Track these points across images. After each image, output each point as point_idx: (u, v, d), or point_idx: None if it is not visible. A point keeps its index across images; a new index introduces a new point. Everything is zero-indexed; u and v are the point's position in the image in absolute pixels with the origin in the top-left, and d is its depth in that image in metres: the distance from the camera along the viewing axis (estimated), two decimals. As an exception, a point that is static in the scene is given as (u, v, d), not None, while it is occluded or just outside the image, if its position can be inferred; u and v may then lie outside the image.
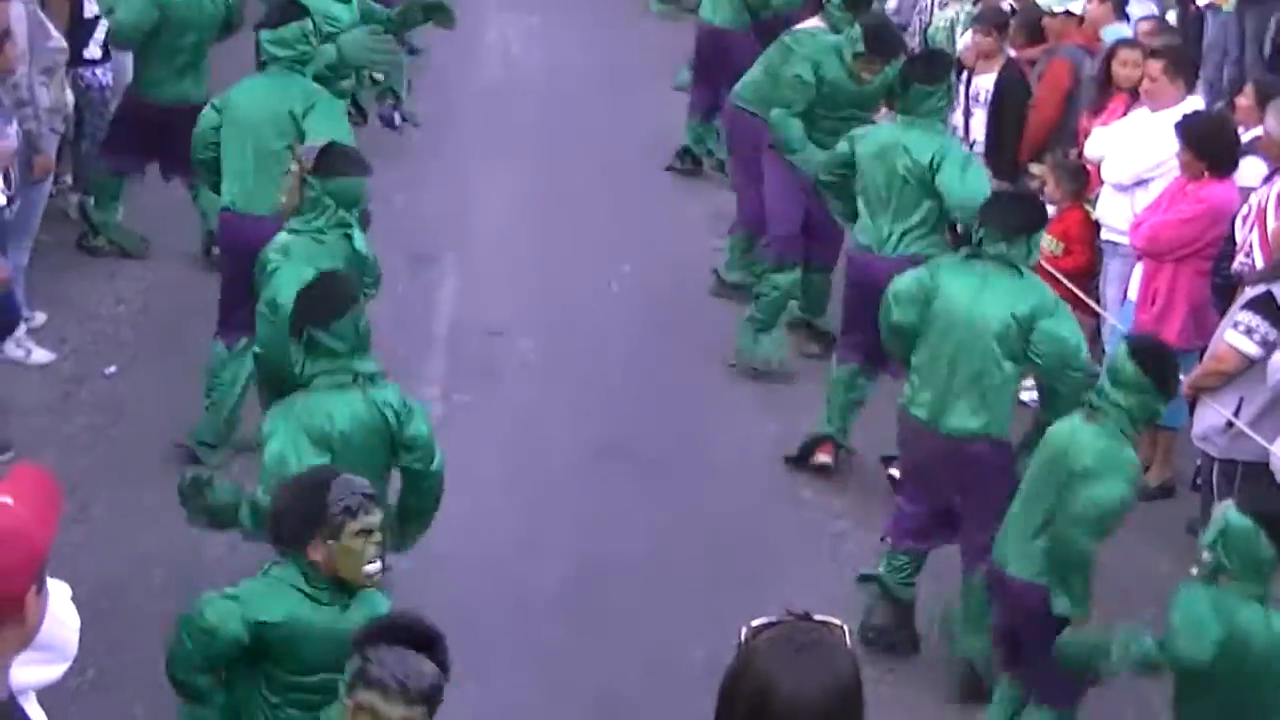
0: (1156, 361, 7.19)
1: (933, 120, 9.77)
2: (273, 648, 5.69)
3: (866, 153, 9.69)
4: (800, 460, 9.99)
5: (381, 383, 6.96)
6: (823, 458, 9.94)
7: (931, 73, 9.84)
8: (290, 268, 7.59)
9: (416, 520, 7.28)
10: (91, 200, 11.82)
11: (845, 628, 3.63)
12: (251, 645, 5.67)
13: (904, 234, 9.52)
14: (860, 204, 9.77)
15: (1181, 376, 8.81)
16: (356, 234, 8.11)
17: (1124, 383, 7.07)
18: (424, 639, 4.95)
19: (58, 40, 10.69)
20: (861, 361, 9.81)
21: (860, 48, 10.58)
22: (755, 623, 3.62)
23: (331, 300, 6.87)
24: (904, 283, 8.34)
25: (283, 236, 7.94)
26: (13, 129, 9.57)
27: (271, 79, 9.47)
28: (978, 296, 8.01)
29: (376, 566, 5.75)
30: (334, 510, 5.60)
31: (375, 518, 5.71)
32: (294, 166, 7.91)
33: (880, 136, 9.81)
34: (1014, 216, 8.12)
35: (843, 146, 9.91)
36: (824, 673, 3.53)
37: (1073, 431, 7.18)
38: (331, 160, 7.99)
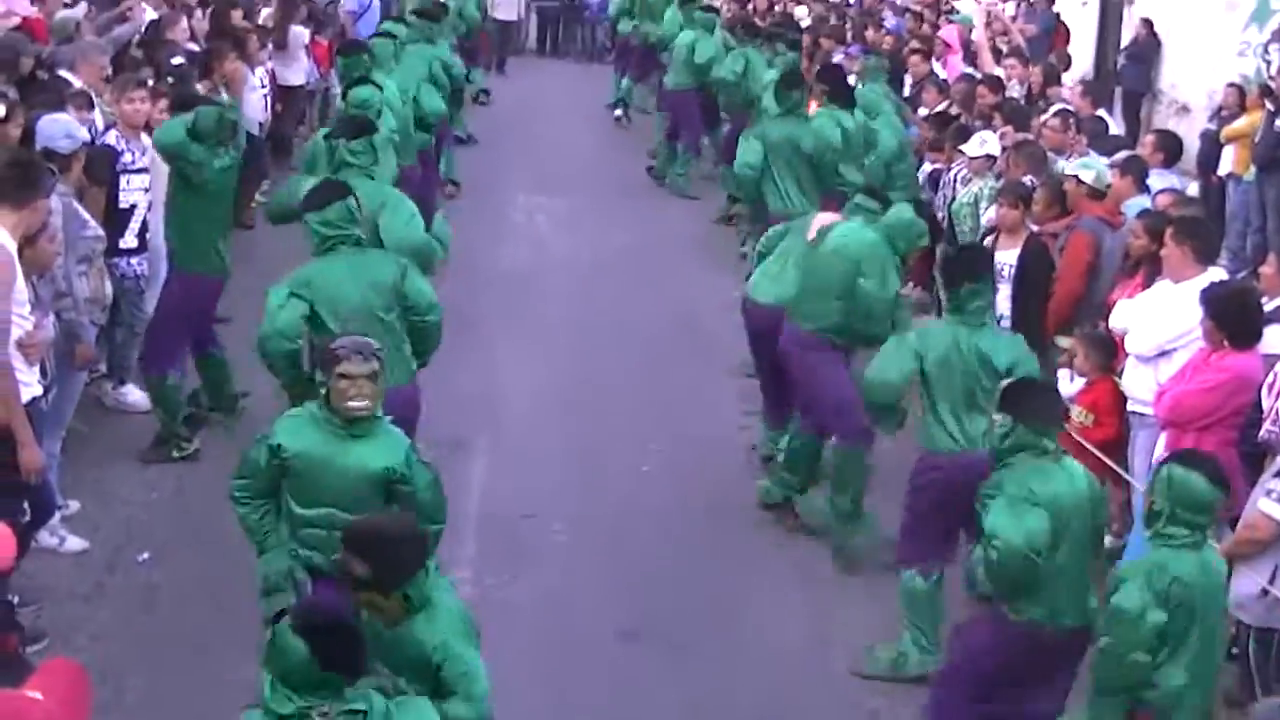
0: (1220, 471, 7.30)
1: (980, 315, 9.70)
2: None
3: (937, 360, 9.49)
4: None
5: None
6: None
7: (977, 270, 9.82)
8: None
9: None
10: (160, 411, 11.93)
11: None
12: None
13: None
14: (933, 409, 9.50)
15: (1216, 545, 8.88)
16: None
17: (1203, 504, 7.18)
18: None
19: (95, 230, 10.84)
20: (940, 564, 9.59)
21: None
22: None
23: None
24: (1032, 538, 7.81)
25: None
26: (49, 320, 9.65)
27: (349, 258, 9.44)
28: (1075, 486, 8.00)
29: None
30: None
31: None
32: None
33: (944, 342, 9.54)
34: (1052, 411, 8.18)
35: (909, 364, 9.55)
36: None
37: (1204, 569, 7.20)
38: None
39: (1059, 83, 18.99)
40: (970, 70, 19.98)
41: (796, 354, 11.33)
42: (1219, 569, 7.35)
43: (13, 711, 3.87)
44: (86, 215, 10.77)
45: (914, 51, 20.02)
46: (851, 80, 18.09)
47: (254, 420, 12.06)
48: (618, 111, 26.09)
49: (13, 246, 8.96)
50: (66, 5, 18.03)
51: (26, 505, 8.94)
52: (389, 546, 6.54)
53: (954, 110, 16.73)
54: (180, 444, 11.85)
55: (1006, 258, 12.07)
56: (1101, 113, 16.65)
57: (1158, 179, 13.18)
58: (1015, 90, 18.37)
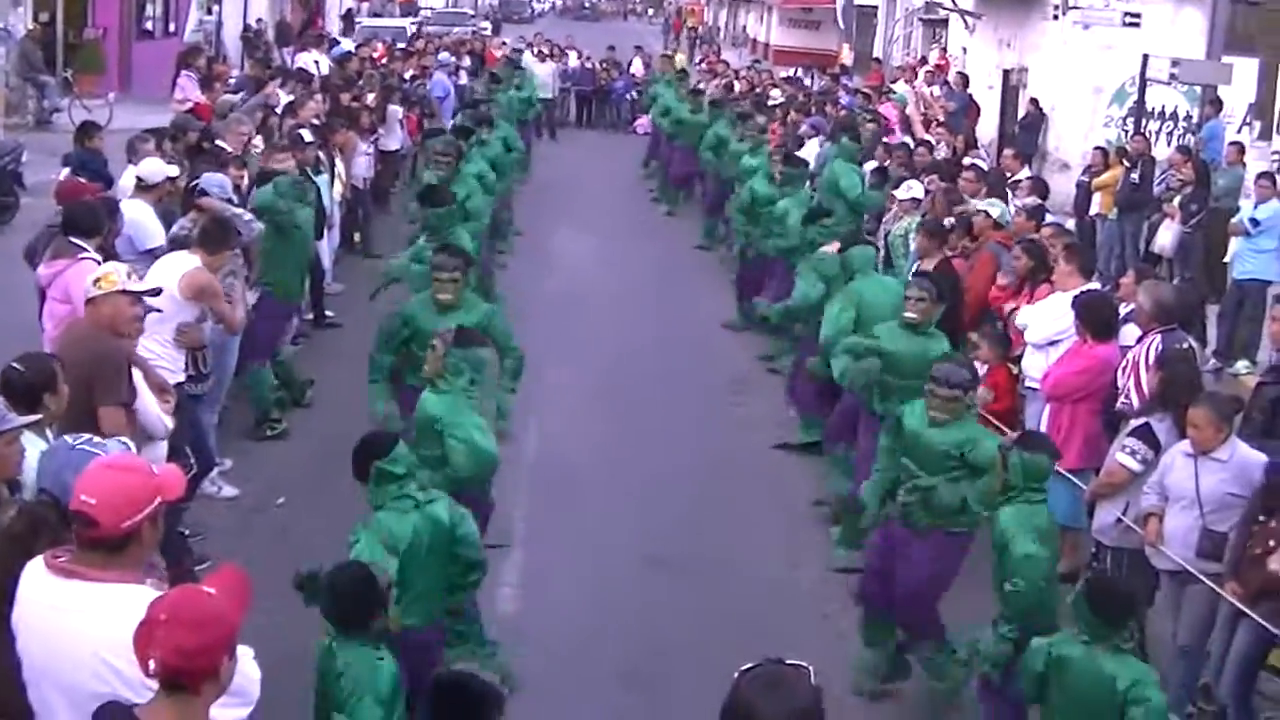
0: (1053, 446, 7.44)
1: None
2: None
3: None
4: None
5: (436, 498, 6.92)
6: None
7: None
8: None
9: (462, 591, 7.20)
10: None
11: (810, 668, 3.74)
12: None
13: None
14: None
15: (1084, 486, 8.96)
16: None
17: (1046, 474, 7.24)
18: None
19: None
20: None
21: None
22: (744, 667, 3.73)
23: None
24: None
25: (434, 398, 7.96)
26: (208, 324, 9.63)
27: None
28: None
29: None
30: None
31: None
32: (438, 344, 8.00)
33: None
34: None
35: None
36: (790, 700, 3.63)
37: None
38: (465, 338, 8.22)
39: (977, 146, 19.16)
40: (906, 139, 20.13)
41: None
42: (1053, 520, 7.35)
43: (194, 599, 3.97)
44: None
45: (869, 121, 20.16)
46: (814, 145, 18.27)
47: (325, 401, 12.45)
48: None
49: (213, 277, 9.37)
50: (230, 92, 18.38)
51: (193, 460, 9.03)
52: None
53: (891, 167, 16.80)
54: (271, 424, 11.85)
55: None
56: (1025, 171, 16.93)
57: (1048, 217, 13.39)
58: (943, 151, 18.50)
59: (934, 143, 19.08)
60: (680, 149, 23.14)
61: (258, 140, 13.74)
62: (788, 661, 3.71)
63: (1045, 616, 7.01)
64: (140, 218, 10.70)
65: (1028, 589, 6.96)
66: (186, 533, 9.19)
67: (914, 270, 12.14)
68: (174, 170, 11.50)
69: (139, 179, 11.17)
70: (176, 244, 10.23)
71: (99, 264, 8.55)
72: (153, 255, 10.47)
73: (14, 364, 6.39)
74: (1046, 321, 10.29)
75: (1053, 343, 10.16)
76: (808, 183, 15.98)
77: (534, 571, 9.69)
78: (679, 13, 69.15)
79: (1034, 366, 10.27)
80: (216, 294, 9.39)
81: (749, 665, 3.70)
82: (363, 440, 6.96)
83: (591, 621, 9.12)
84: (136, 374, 7.81)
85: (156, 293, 8.06)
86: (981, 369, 10.79)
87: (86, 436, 5.38)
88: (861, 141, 17.92)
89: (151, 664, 3.81)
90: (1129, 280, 10.50)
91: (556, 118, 33.09)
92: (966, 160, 16.86)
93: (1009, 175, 16.03)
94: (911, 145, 18.21)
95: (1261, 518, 7.58)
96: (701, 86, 27.44)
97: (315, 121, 16.20)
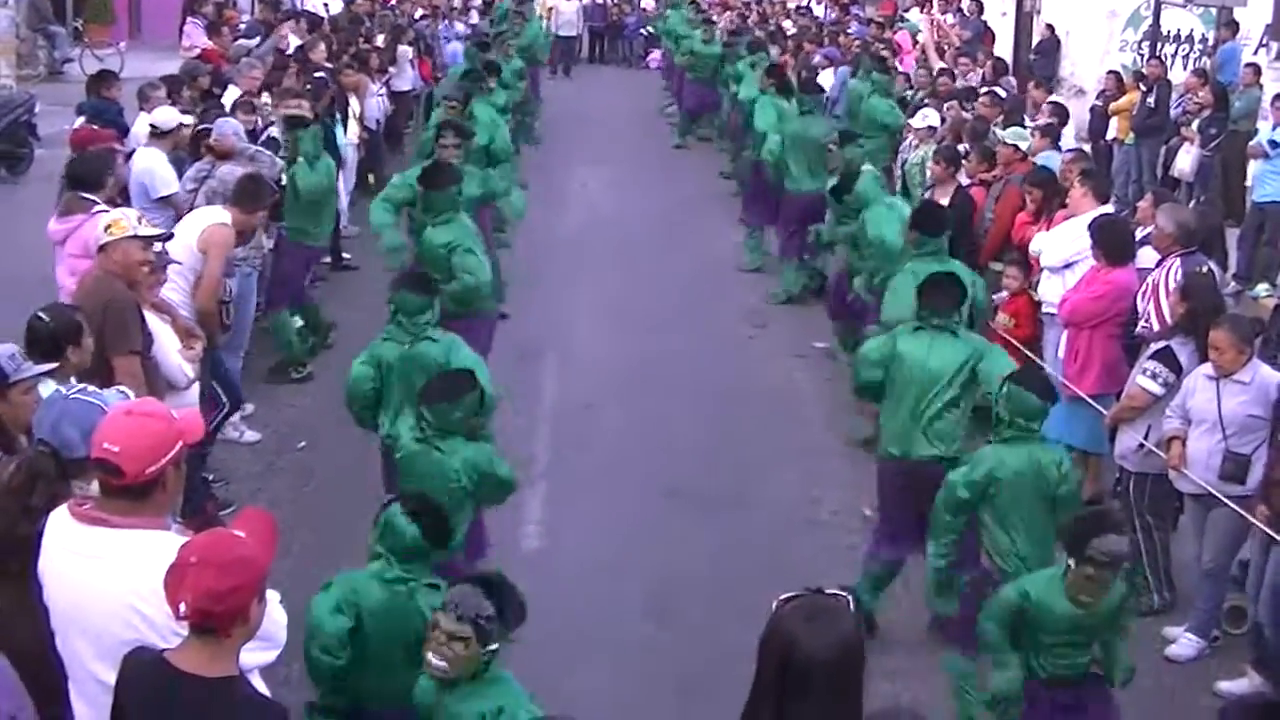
0: (1048, 386, 7.24)
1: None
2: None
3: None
4: None
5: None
6: None
7: (939, 223, 9.72)
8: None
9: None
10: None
11: (850, 598, 3.71)
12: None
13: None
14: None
15: (1105, 411, 8.92)
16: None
17: (1034, 412, 7.00)
18: (491, 585, 5.01)
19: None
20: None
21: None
22: (783, 596, 3.70)
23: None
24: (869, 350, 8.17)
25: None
26: (231, 281, 9.63)
27: None
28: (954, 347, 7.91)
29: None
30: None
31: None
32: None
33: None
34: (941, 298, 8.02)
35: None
36: (832, 632, 3.60)
37: (1029, 459, 7.02)
38: (403, 281, 8.20)
39: (1008, 73, 19.12)
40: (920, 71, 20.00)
41: None
42: (1043, 459, 7.06)
43: (223, 541, 3.99)
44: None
45: (882, 49, 20.05)
46: (827, 75, 18.13)
47: (344, 343, 12.13)
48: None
49: (232, 235, 9.21)
50: (242, 37, 18.31)
51: (224, 397, 9.13)
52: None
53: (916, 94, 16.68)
54: (297, 368, 11.83)
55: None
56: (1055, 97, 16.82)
57: (1071, 141, 13.29)
58: (973, 79, 18.37)
59: (957, 73, 18.92)
60: (693, 83, 22.94)
61: (265, 98, 13.61)
62: (827, 591, 3.68)
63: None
64: (154, 165, 10.75)
65: (940, 510, 7.12)
66: (210, 478, 9.22)
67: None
68: (187, 117, 11.51)
69: (153, 126, 11.20)
70: (209, 192, 10.24)
71: (111, 216, 8.54)
72: (167, 202, 10.53)
73: (39, 313, 6.39)
74: (1062, 245, 10.22)
75: (1068, 265, 10.09)
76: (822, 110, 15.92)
77: (556, 507, 9.70)
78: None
79: (1051, 292, 10.21)
80: (218, 255, 9.14)
81: (788, 595, 3.67)
82: (444, 378, 7.10)
83: (614, 556, 9.12)
84: (157, 322, 7.81)
85: (168, 237, 8.03)
86: (1003, 295, 10.80)
87: (81, 386, 5.38)
88: (890, 73, 17.81)
89: (181, 607, 3.83)
90: (1146, 204, 10.40)
91: (575, 55, 33.02)
92: (983, 89, 16.69)
93: (1034, 106, 15.90)
94: (933, 73, 18.00)
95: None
96: (714, 18, 27.23)
97: (327, 64, 16.14)
